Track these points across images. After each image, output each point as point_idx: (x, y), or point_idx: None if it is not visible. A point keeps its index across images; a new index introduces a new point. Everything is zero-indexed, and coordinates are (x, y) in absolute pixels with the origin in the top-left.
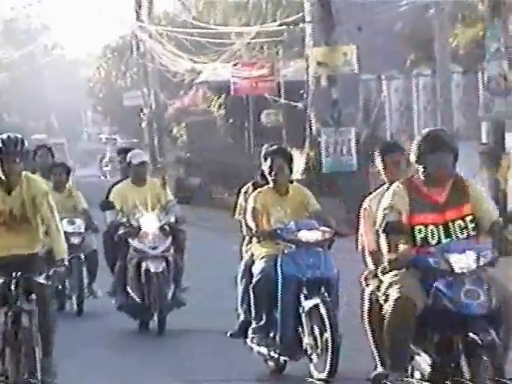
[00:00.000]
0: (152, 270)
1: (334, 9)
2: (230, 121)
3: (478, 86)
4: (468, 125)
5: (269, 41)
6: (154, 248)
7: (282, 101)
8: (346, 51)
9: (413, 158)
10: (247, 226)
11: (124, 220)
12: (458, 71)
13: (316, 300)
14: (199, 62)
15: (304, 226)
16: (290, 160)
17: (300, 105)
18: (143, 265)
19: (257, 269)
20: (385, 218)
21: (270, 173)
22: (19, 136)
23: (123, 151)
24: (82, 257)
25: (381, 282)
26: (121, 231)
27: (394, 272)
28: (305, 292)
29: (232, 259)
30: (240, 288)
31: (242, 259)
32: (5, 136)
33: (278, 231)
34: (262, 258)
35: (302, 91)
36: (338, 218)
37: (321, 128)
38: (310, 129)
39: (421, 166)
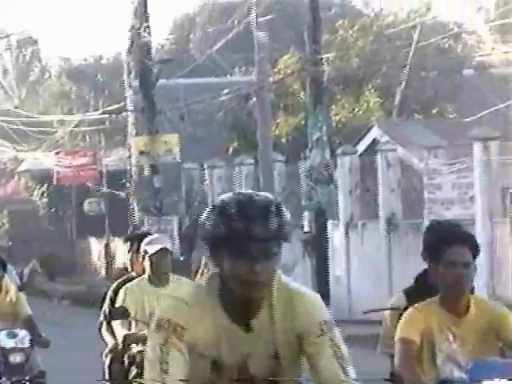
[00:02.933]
0: None
1: (156, 98)
2: (53, 210)
3: (300, 175)
4: (290, 213)
5: (91, 129)
6: None
7: (105, 189)
8: (168, 140)
9: None
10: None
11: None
12: (280, 160)
13: None
14: (22, 151)
15: None
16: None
17: (123, 194)
18: None
19: None
20: None
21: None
22: None
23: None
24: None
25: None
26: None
27: None
28: None
29: None
30: None
31: None
32: None
33: None
34: None
35: (124, 180)
36: None
37: (144, 217)
38: (133, 217)
39: None
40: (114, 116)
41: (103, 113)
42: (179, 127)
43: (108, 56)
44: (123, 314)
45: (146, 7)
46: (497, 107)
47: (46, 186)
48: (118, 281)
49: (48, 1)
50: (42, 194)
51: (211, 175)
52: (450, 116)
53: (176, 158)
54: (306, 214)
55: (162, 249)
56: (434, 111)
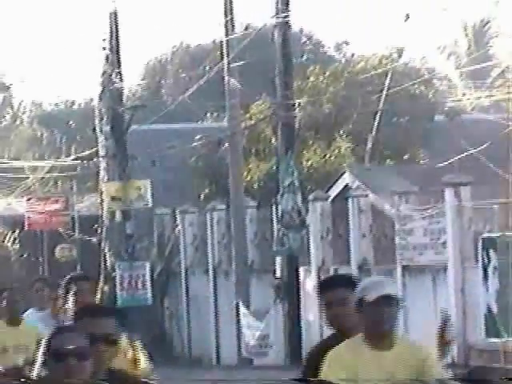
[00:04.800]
0: None
1: (127, 143)
2: (25, 255)
3: (272, 220)
4: (262, 259)
5: (63, 175)
6: None
7: (77, 235)
8: (139, 186)
9: None
10: None
11: None
12: (252, 205)
13: None
14: None
15: None
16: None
17: (94, 239)
18: None
19: None
20: None
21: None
22: None
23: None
24: None
25: None
26: None
27: None
28: None
29: None
30: None
31: None
32: None
33: None
34: None
35: (96, 226)
36: None
37: (115, 262)
38: (105, 263)
39: None
40: (85, 162)
41: (75, 159)
42: (151, 173)
43: (80, 102)
44: None
45: (117, 53)
46: (468, 153)
47: (17, 231)
48: None
49: (21, 46)
50: (14, 240)
51: (183, 221)
52: (422, 161)
53: (148, 203)
54: (277, 259)
55: None
56: (406, 157)
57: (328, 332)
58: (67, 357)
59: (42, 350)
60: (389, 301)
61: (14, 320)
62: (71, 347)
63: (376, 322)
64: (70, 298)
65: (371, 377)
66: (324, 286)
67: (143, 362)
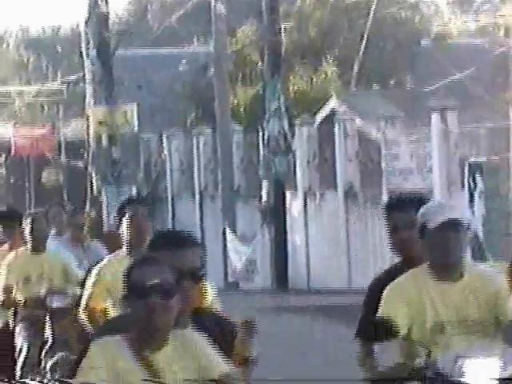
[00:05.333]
0: None
1: (113, 68)
2: (11, 180)
3: (259, 145)
4: (249, 183)
5: (49, 100)
6: None
7: (63, 160)
8: (126, 110)
9: None
10: None
11: None
12: (238, 130)
13: None
14: None
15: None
16: None
17: (81, 164)
18: None
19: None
20: None
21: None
22: None
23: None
24: None
25: None
26: None
27: None
28: None
29: None
30: None
31: None
32: None
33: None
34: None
35: (82, 150)
36: None
37: (102, 187)
38: (91, 188)
39: None
40: (72, 87)
41: (61, 84)
42: (137, 98)
43: (66, 27)
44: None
45: None
46: (454, 77)
47: (3, 157)
48: None
49: None
50: (0, 165)
51: (169, 145)
52: (408, 86)
53: (134, 128)
54: (264, 183)
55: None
56: (392, 82)
57: (313, 255)
58: (150, 293)
59: (123, 283)
60: (455, 226)
61: (38, 248)
62: (155, 282)
63: (441, 250)
64: (125, 223)
65: (437, 312)
66: (391, 207)
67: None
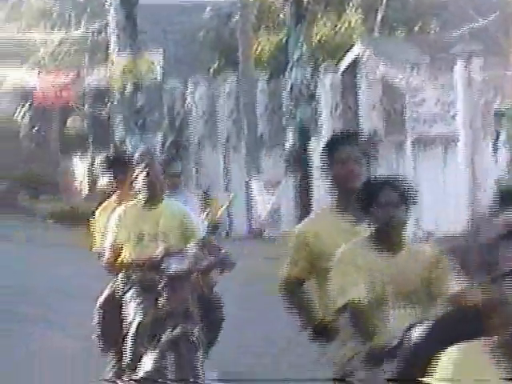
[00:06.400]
0: None
1: (138, 16)
2: (35, 128)
3: (283, 93)
4: (273, 131)
5: (73, 48)
6: None
7: (87, 108)
8: (150, 58)
9: None
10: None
11: None
12: (262, 78)
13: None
14: (4, 70)
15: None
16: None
17: (105, 112)
18: None
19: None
20: None
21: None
22: None
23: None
24: None
25: None
26: None
27: None
28: None
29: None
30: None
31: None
32: None
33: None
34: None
35: (106, 99)
36: None
37: (126, 135)
38: (115, 136)
39: None
40: (96, 34)
41: (85, 31)
42: (161, 46)
43: None
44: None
45: None
46: (479, 23)
47: (28, 105)
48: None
49: None
50: (25, 114)
51: (193, 93)
52: (433, 32)
53: (158, 76)
54: (288, 131)
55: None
56: (416, 27)
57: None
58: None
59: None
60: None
61: (153, 200)
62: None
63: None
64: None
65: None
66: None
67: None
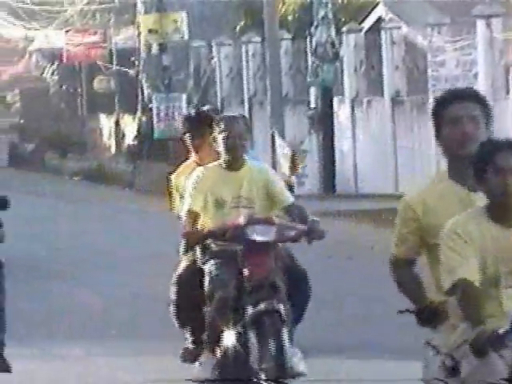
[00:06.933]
0: None
1: None
2: (63, 87)
3: (307, 52)
4: (297, 90)
5: (101, 8)
6: None
7: (114, 67)
8: (176, 18)
9: None
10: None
11: None
12: (286, 37)
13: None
14: (32, 29)
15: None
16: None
17: (131, 71)
18: None
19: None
20: None
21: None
22: None
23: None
24: None
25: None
26: None
27: None
28: None
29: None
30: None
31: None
32: None
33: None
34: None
35: (133, 58)
36: None
37: (152, 94)
38: (142, 95)
39: None
40: None
41: None
42: (187, 5)
43: None
44: None
45: None
46: None
47: (56, 64)
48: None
49: None
50: (53, 73)
51: (219, 53)
52: None
53: (184, 36)
54: (312, 90)
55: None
56: None
57: (360, 161)
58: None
59: None
60: None
61: (235, 162)
62: None
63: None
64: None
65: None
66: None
67: None
